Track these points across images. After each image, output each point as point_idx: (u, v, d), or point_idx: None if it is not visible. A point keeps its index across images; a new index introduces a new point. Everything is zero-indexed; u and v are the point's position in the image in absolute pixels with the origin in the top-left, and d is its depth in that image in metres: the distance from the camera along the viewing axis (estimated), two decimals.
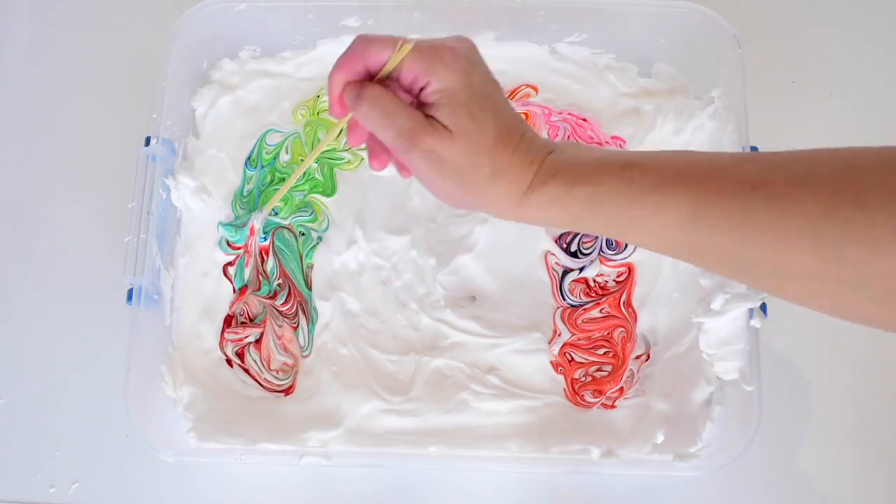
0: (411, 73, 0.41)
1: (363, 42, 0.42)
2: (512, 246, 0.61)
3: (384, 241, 0.61)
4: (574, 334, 0.59)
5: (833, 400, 0.58)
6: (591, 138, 0.62)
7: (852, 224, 0.33)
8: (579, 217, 0.41)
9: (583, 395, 0.58)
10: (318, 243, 0.61)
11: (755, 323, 0.53)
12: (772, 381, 0.54)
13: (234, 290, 0.61)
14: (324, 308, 0.60)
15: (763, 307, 0.53)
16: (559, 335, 0.59)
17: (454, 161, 0.41)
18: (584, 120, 0.62)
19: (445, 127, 0.41)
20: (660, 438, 0.55)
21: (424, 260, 0.60)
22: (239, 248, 0.61)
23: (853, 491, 0.57)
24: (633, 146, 0.62)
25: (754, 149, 0.55)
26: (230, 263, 0.61)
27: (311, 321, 0.60)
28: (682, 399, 0.56)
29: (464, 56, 0.41)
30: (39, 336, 0.62)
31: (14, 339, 0.62)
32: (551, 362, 0.58)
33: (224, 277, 0.61)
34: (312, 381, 0.59)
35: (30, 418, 0.60)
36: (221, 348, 0.59)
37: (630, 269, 0.60)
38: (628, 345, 0.58)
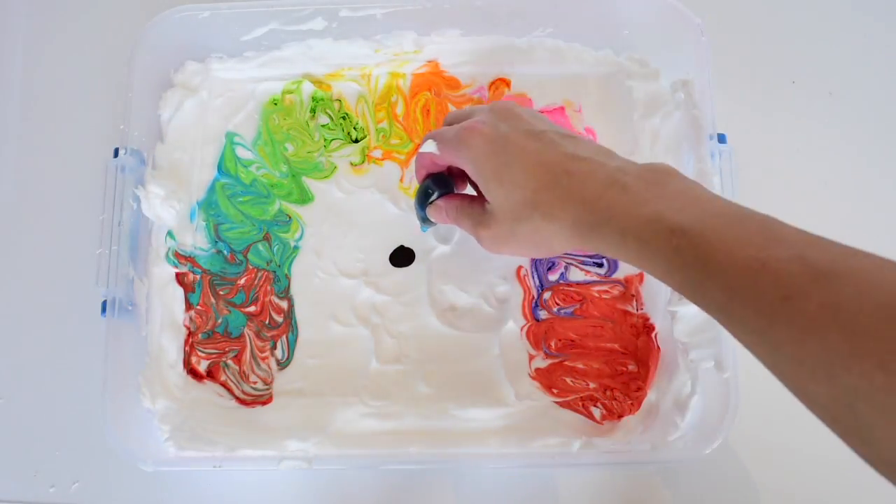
0: (452, 165, 0.50)
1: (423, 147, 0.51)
2: (496, 255, 0.60)
3: (364, 249, 0.61)
4: (549, 354, 0.58)
5: None
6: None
7: (869, 381, 0.29)
8: (636, 262, 0.41)
9: (573, 404, 0.58)
10: (295, 254, 0.61)
11: None
12: (748, 368, 0.54)
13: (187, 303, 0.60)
14: (304, 317, 0.60)
15: None
16: (535, 356, 0.59)
17: (502, 231, 0.47)
18: (561, 109, 0.62)
19: (488, 202, 0.47)
20: (639, 429, 0.55)
21: (406, 266, 0.60)
22: (187, 260, 0.61)
23: (833, 476, 0.57)
24: (603, 135, 0.62)
25: (722, 137, 0.55)
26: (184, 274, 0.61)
27: (293, 332, 0.60)
28: (660, 388, 0.56)
29: (488, 128, 0.46)
30: (35, 336, 0.62)
31: (14, 339, 0.62)
32: (533, 371, 0.58)
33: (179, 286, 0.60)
34: (293, 389, 0.58)
35: (30, 418, 0.61)
36: (194, 364, 0.59)
37: (628, 282, 0.59)
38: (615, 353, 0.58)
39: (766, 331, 0.33)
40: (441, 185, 0.53)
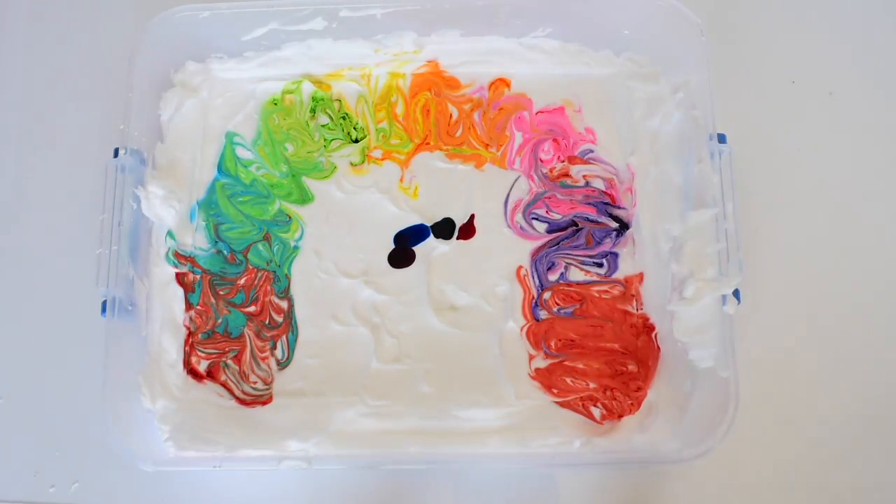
0: None
1: None
2: (495, 255, 0.60)
3: (364, 249, 0.61)
4: (549, 354, 0.58)
5: (810, 384, 0.59)
6: (565, 129, 0.62)
7: None
8: None
9: (570, 401, 0.58)
10: (295, 254, 0.61)
11: (728, 309, 0.53)
12: (748, 368, 0.54)
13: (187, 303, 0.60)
14: (304, 317, 0.60)
15: (736, 293, 0.53)
16: (535, 356, 0.58)
17: None
18: (561, 109, 0.62)
19: None
20: (639, 429, 0.55)
21: (406, 266, 0.60)
22: (187, 260, 0.61)
23: (832, 476, 0.57)
24: (603, 135, 0.62)
25: (722, 137, 0.55)
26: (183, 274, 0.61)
27: (293, 332, 0.60)
28: (660, 388, 0.56)
29: None
30: (35, 336, 0.62)
31: (15, 339, 0.63)
32: (533, 371, 0.58)
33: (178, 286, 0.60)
34: (293, 389, 0.58)
35: (30, 418, 0.61)
36: (193, 364, 0.59)
37: (628, 282, 0.59)
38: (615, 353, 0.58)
39: None
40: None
